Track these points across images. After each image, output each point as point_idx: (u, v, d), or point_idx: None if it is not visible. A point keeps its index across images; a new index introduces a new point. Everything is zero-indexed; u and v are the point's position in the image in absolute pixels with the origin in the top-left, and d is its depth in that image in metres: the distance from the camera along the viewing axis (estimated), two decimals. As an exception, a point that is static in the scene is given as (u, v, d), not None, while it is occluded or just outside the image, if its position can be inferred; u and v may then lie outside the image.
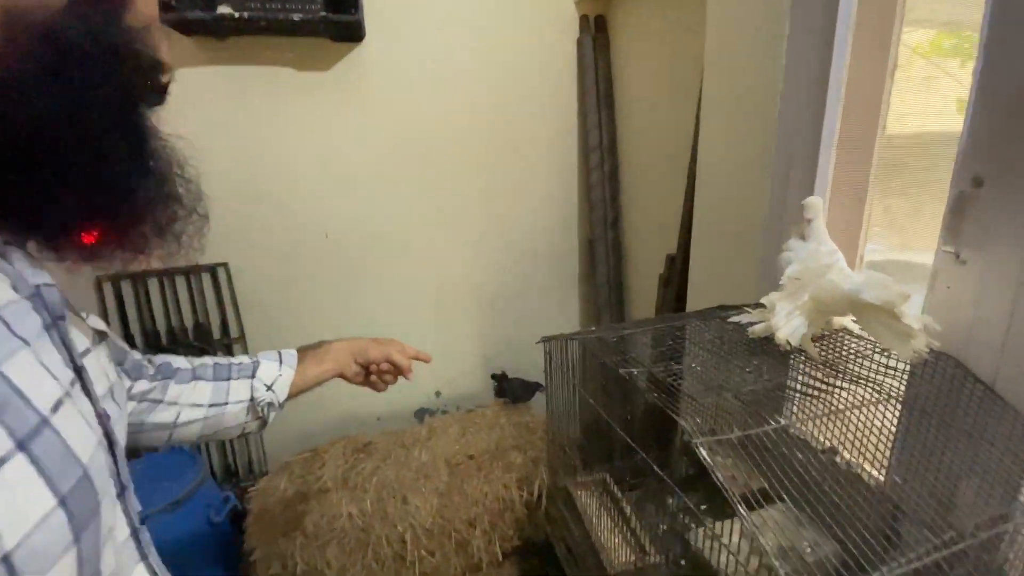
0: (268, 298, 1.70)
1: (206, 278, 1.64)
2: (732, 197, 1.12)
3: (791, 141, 0.94)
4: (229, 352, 1.70)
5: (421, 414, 1.97)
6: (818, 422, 0.76)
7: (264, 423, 0.78)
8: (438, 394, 1.97)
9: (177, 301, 1.63)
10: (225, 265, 1.64)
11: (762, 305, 0.78)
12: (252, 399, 0.75)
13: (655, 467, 0.77)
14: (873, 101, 0.90)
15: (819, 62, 0.88)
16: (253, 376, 0.76)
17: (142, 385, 0.66)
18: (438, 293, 1.87)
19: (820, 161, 0.90)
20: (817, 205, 0.77)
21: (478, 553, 1.49)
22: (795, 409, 0.84)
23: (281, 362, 0.81)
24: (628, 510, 1.02)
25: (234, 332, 1.69)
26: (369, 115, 1.64)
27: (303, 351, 0.84)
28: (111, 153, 0.36)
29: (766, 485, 0.76)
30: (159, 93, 0.42)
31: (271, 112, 1.55)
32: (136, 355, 0.66)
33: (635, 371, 0.73)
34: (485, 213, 1.83)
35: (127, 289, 1.59)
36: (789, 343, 0.71)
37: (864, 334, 0.77)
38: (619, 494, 1.03)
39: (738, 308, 1.05)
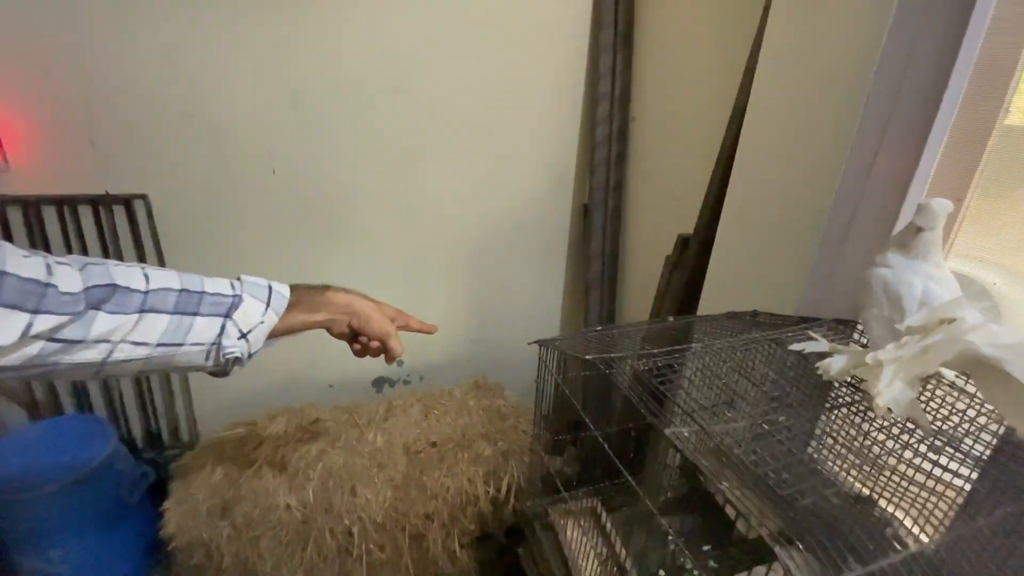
0: (200, 242, 1.41)
1: (119, 212, 1.33)
2: (785, 178, 0.90)
3: (885, 119, 0.72)
4: (150, 303, 1.42)
5: (380, 383, 1.76)
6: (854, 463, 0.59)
7: (224, 374, 0.61)
8: (400, 363, 1.76)
9: (82, 237, 1.32)
10: (144, 197, 1.33)
11: (841, 332, 0.58)
12: (218, 344, 0.56)
13: (641, 494, 0.59)
14: (1000, 81, 0.69)
15: (948, 19, 0.65)
16: (228, 316, 0.57)
17: (46, 321, 0.43)
18: (406, 249, 1.62)
19: (926, 151, 0.69)
20: (942, 211, 0.57)
21: (434, 547, 1.34)
22: (828, 443, 0.67)
23: (269, 303, 0.61)
24: (618, 546, 0.86)
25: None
26: (332, 27, 1.31)
27: (298, 292, 0.65)
28: None
29: (783, 526, 0.60)
30: None
31: (203, 9, 1.21)
32: (34, 269, 0.42)
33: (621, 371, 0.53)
34: (468, 162, 1.55)
35: (15, 217, 1.27)
36: (890, 410, 0.51)
37: (960, 383, 0.59)
38: (610, 529, 0.86)
39: (777, 318, 0.86)
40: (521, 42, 1.47)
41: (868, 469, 0.52)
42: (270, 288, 0.61)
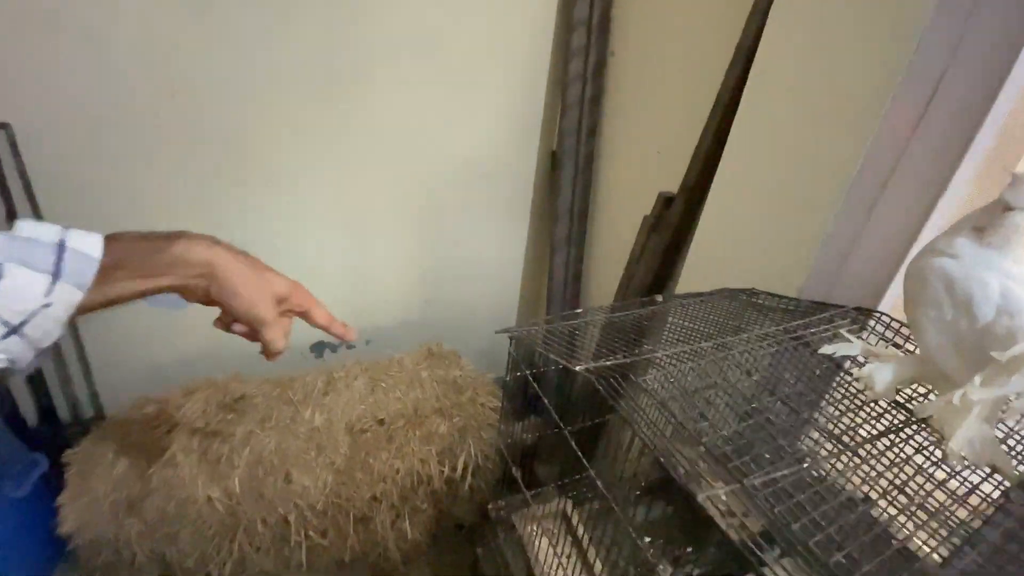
0: (81, 184, 1.14)
1: (-31, 143, 1.04)
2: (803, 127, 0.75)
3: (951, 45, 0.57)
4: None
5: (319, 348, 1.57)
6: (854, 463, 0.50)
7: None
8: (344, 326, 1.57)
9: (-83, 174, 1.03)
10: (6, 127, 1.04)
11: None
12: None
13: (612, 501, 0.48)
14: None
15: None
16: None
17: None
18: (347, 197, 1.39)
19: (1003, 94, 0.55)
20: None
21: (382, 530, 1.22)
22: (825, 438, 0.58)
23: (58, 272, 0.39)
24: (589, 548, 0.76)
25: (29, 230, 1.13)
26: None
27: (123, 244, 0.44)
28: None
29: (768, 527, 0.51)
30: None
31: None
32: None
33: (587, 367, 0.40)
34: (418, 92, 1.32)
35: None
36: (964, 457, 0.40)
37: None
38: (581, 531, 0.76)
39: (782, 301, 0.74)
40: (484, -51, 1.21)
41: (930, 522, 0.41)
42: (61, 245, 0.39)
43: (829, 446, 0.42)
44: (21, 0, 0.96)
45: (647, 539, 0.79)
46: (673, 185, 1.11)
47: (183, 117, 1.13)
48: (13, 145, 1.06)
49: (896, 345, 0.57)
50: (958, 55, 0.56)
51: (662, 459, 0.37)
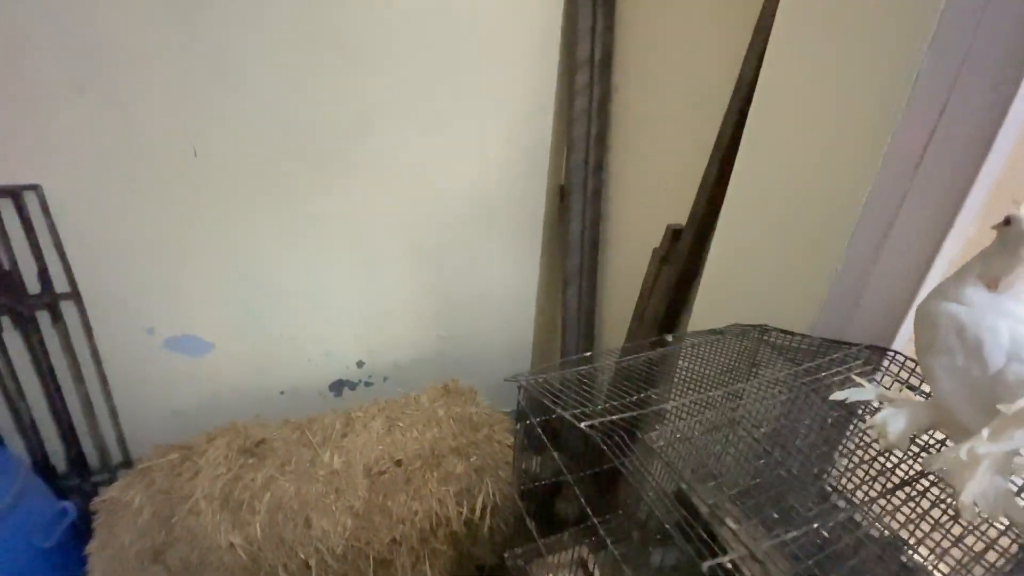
0: (109, 239, 1.19)
1: (6, 206, 1.10)
2: (805, 164, 0.75)
3: (948, 84, 0.57)
4: (55, 314, 1.20)
5: (338, 387, 1.59)
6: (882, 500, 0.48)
7: None
8: (360, 364, 1.59)
9: (-41, 238, 1.09)
10: (36, 188, 1.10)
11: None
12: None
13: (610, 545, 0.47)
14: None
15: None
16: None
17: None
18: (364, 237, 1.43)
19: (1002, 132, 0.55)
20: None
21: (402, 574, 1.21)
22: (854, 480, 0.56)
23: None
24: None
25: (61, 286, 1.19)
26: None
27: None
28: None
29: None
30: None
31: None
32: None
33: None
34: (428, 136, 1.36)
35: None
36: (978, 510, 0.39)
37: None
38: (596, 572, 0.74)
39: (795, 339, 0.73)
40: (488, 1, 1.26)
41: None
42: None
43: (841, 503, 0.41)
44: (53, 69, 1.02)
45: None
46: (681, 217, 1.12)
47: (205, 173, 1.18)
48: (44, 206, 1.12)
49: (911, 387, 0.56)
50: (956, 92, 0.56)
51: (667, 525, 0.37)
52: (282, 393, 1.52)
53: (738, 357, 0.66)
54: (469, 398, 1.42)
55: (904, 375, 0.60)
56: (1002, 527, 0.40)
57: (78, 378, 1.28)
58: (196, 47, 1.09)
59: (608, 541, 0.64)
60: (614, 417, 0.46)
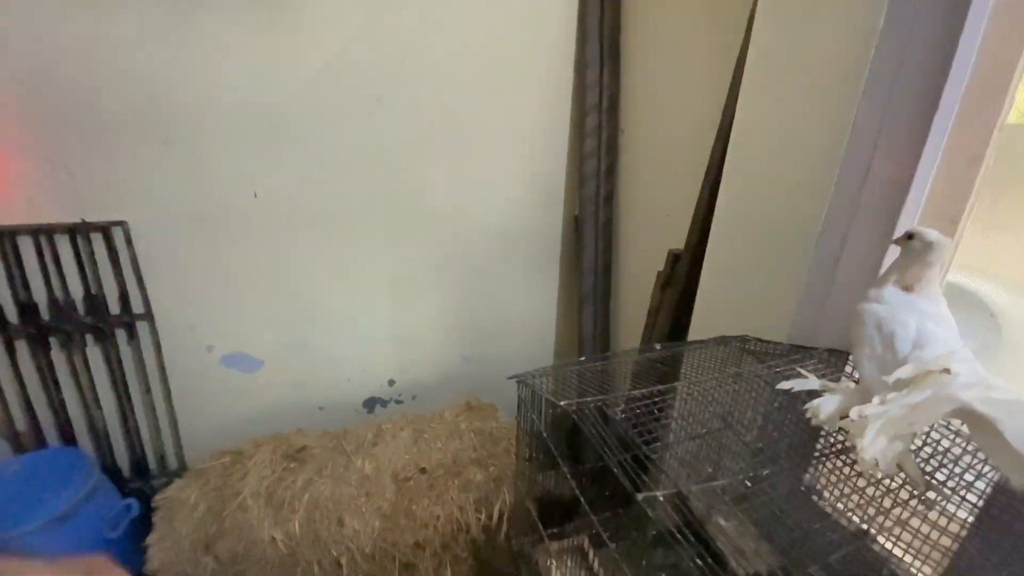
0: (180, 268, 1.38)
1: (97, 239, 1.30)
2: (774, 195, 0.86)
3: (877, 131, 0.68)
4: (131, 332, 1.39)
5: (371, 404, 1.72)
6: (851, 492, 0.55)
7: None
8: (392, 383, 1.72)
9: (59, 266, 1.29)
10: (122, 224, 1.30)
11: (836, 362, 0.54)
12: None
13: (606, 539, 0.55)
14: (1000, 80, 0.65)
15: (942, 24, 0.61)
16: None
17: None
18: (395, 265, 1.58)
19: (921, 164, 0.65)
20: (946, 246, 0.53)
21: (426, 576, 1.30)
22: (824, 470, 0.63)
23: None
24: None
25: (137, 307, 1.38)
26: (313, 43, 1.28)
27: None
28: None
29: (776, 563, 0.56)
30: None
31: (178, 26, 1.18)
32: None
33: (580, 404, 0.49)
34: (456, 178, 1.52)
35: (-10, 248, 1.24)
36: (877, 465, 0.47)
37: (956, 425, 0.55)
38: (598, 568, 0.82)
39: (769, 346, 0.82)
40: (505, 53, 1.43)
41: (868, 523, 0.48)
42: None
43: (769, 470, 0.50)
44: (137, 122, 1.22)
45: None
46: (681, 242, 1.22)
47: (262, 211, 1.37)
48: (128, 239, 1.32)
49: (856, 381, 0.64)
50: (884, 135, 0.67)
51: (611, 465, 0.47)
52: (321, 408, 1.66)
53: (714, 361, 0.75)
54: (490, 414, 1.52)
55: (857, 374, 0.68)
56: (899, 480, 0.48)
57: (146, 390, 1.46)
58: (258, 107, 1.29)
59: (604, 537, 0.73)
60: (588, 400, 0.56)
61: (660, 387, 0.58)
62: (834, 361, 0.71)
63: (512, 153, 1.56)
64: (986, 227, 0.74)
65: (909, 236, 0.55)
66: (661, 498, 0.43)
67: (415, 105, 1.41)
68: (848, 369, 0.72)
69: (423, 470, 1.33)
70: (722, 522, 0.69)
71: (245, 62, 1.25)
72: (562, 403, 0.55)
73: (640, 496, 0.43)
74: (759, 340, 0.85)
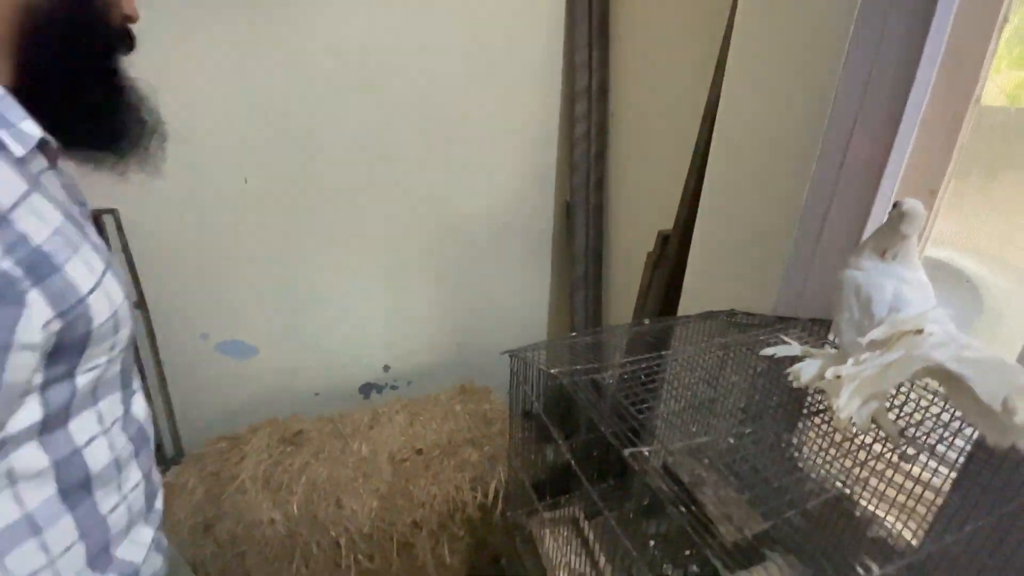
0: (172, 256, 1.38)
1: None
2: (758, 173, 0.88)
3: (856, 109, 0.70)
4: (125, 319, 1.39)
5: (367, 389, 1.74)
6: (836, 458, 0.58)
7: None
8: (387, 368, 1.74)
9: (51, 255, 1.29)
10: (113, 212, 1.30)
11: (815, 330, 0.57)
12: None
13: (604, 511, 0.58)
14: (973, 60, 0.67)
15: (915, 6, 0.63)
16: None
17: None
18: (387, 253, 1.59)
19: (898, 140, 0.67)
20: (920, 215, 0.55)
21: (423, 555, 1.33)
22: (808, 438, 0.66)
23: None
24: (599, 556, 0.85)
25: (130, 296, 1.37)
26: (301, 30, 1.28)
27: None
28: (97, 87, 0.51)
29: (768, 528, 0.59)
30: (128, 44, 0.54)
31: (167, 16, 1.17)
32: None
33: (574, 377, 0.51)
34: (446, 161, 1.53)
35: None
36: (853, 424, 0.50)
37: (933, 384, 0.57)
38: (592, 538, 0.85)
39: (754, 318, 0.84)
40: (494, 39, 1.44)
41: (846, 477, 0.51)
42: None
43: (752, 428, 0.52)
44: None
45: (651, 543, 0.87)
46: (670, 223, 1.24)
47: (254, 198, 1.37)
48: (119, 227, 1.32)
49: (835, 347, 0.66)
50: (864, 111, 0.69)
51: (601, 426, 0.49)
52: (317, 395, 1.68)
53: (700, 333, 0.77)
54: (484, 396, 1.54)
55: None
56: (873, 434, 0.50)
57: (141, 378, 1.46)
58: (248, 93, 1.28)
59: (600, 505, 0.75)
60: (578, 367, 0.58)
61: (649, 355, 0.60)
62: (817, 330, 0.74)
63: (503, 140, 1.57)
64: (975, 206, 0.76)
65: (894, 206, 0.57)
66: (647, 453, 0.45)
67: (405, 91, 1.41)
68: (831, 336, 0.74)
69: (419, 451, 1.36)
70: (708, 492, 0.72)
71: (234, 50, 1.24)
72: (553, 371, 0.57)
73: (627, 452, 0.45)
74: (745, 313, 0.88)
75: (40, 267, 0.40)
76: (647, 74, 1.33)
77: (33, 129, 0.43)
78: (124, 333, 0.50)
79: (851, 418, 0.49)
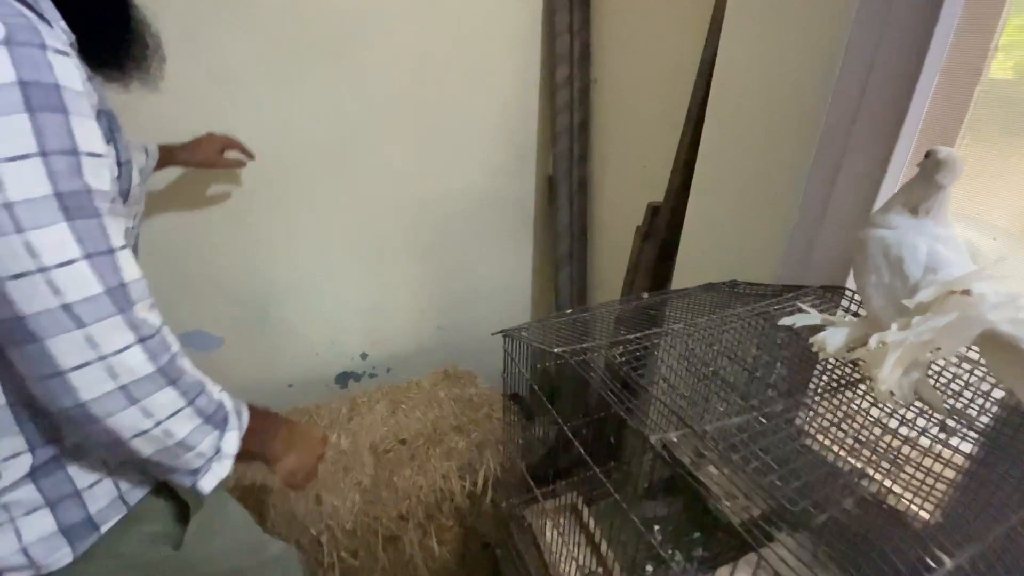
0: (144, 232, 1.25)
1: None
2: (760, 134, 0.82)
3: (870, 60, 0.64)
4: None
5: (344, 379, 1.65)
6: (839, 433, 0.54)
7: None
8: (364, 356, 1.65)
9: None
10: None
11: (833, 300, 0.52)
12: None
13: (612, 490, 0.53)
14: (990, 12, 0.62)
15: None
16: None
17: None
18: (362, 234, 1.50)
19: (916, 94, 0.62)
20: (958, 164, 0.50)
21: (411, 548, 1.27)
22: (812, 415, 0.62)
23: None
24: (600, 541, 0.80)
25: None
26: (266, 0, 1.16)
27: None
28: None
29: (771, 506, 0.55)
30: None
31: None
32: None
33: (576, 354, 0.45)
34: (421, 136, 1.43)
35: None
36: (893, 394, 0.45)
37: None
38: (593, 525, 0.80)
39: (759, 288, 0.80)
40: (468, 4, 1.34)
41: (878, 459, 0.46)
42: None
43: (782, 406, 0.47)
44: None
45: (656, 527, 0.83)
46: (660, 194, 1.18)
47: (215, 178, 1.26)
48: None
49: (855, 314, 0.62)
50: (879, 56, 0.63)
51: (620, 412, 0.43)
52: (290, 386, 1.59)
53: (705, 305, 0.72)
54: (468, 381, 1.48)
55: (854, 308, 0.66)
56: (916, 410, 0.46)
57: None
58: (206, 66, 1.16)
59: (609, 487, 0.70)
60: (584, 346, 0.52)
61: (658, 330, 0.55)
62: (830, 297, 0.69)
63: (480, 112, 1.48)
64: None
65: (927, 155, 0.52)
66: (675, 439, 0.40)
67: (376, 62, 1.31)
68: (844, 303, 0.70)
69: (403, 441, 1.29)
70: (713, 470, 0.68)
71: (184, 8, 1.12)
72: (556, 350, 0.50)
73: (654, 439, 0.39)
74: (748, 283, 0.83)
75: (113, 122, 0.50)
76: (633, 35, 1.26)
77: (67, 29, 0.47)
78: (139, 208, 0.60)
79: (891, 391, 0.44)
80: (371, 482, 1.20)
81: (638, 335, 0.54)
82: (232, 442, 0.54)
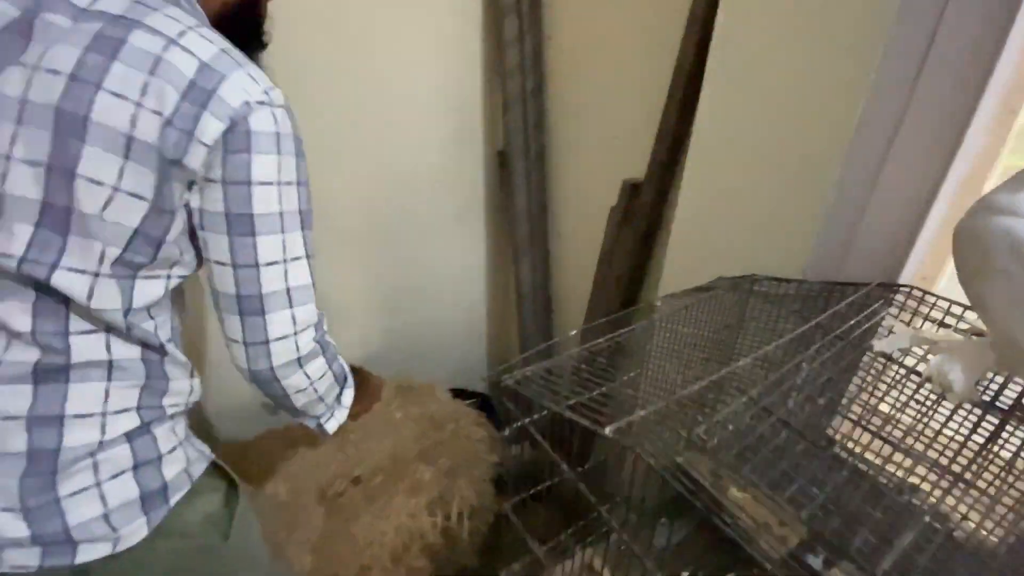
0: None
1: None
2: (783, 94, 0.67)
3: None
4: None
5: (274, 409, 1.40)
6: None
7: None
8: (298, 374, 1.40)
9: None
10: None
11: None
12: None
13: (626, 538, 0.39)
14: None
15: None
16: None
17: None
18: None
19: (1012, 34, 0.48)
20: None
21: (377, 598, 1.08)
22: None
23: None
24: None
25: None
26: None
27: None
28: None
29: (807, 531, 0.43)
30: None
31: None
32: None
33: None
34: (347, 110, 1.18)
35: None
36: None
37: None
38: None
39: (791, 286, 0.66)
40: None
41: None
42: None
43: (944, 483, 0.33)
44: None
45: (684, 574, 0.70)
46: (638, 171, 1.02)
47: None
48: None
49: (943, 325, 0.49)
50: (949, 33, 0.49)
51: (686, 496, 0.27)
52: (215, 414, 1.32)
53: (731, 315, 0.57)
54: (427, 394, 1.28)
55: (924, 310, 0.54)
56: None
57: None
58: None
59: (615, 527, 0.55)
60: (635, 417, 0.35)
61: (718, 376, 0.39)
62: (901, 301, 0.56)
63: (413, 76, 1.24)
64: None
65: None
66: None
67: (290, 15, 1.03)
68: (901, 299, 0.57)
69: (356, 480, 1.08)
70: (737, 493, 0.55)
71: None
72: (607, 431, 0.33)
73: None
74: (772, 279, 0.69)
75: None
76: (594, -19, 1.07)
77: None
78: None
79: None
80: (322, 539, 1.00)
81: (691, 390, 0.38)
82: (349, 396, 0.70)
